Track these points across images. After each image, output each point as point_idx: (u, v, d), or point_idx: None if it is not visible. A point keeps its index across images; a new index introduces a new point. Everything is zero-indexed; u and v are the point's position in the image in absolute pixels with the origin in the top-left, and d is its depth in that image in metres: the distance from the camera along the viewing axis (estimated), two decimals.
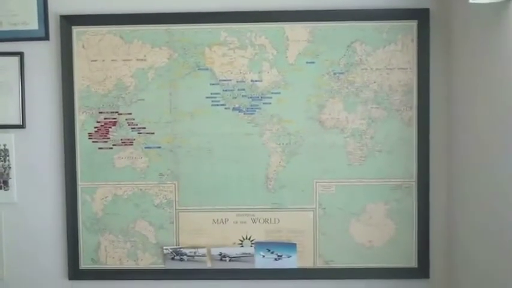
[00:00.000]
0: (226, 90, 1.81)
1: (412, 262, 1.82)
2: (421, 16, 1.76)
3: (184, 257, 1.84)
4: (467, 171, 1.65)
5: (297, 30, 1.79)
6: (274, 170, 1.81)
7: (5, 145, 1.85)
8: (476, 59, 1.57)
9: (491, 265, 1.49)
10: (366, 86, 1.79)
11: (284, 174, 1.81)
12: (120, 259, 1.86)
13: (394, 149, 1.80)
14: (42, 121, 1.85)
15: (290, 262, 1.83)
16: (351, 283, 1.83)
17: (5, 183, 1.86)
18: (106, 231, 1.85)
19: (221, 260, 1.83)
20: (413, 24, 1.77)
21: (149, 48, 1.81)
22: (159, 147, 1.83)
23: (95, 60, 1.82)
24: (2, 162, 1.85)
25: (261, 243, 1.83)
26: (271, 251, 1.83)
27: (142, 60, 1.82)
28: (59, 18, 1.81)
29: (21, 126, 1.84)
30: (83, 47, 1.82)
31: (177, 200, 1.84)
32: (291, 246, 1.83)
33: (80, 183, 1.84)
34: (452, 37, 1.76)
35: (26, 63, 1.84)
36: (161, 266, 1.86)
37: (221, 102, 1.81)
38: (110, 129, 1.83)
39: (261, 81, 1.80)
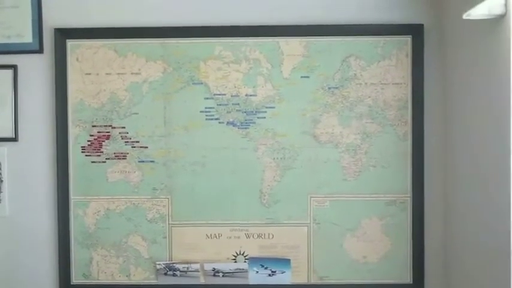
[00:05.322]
0: (220, 105, 1.80)
1: (407, 278, 1.81)
2: (416, 31, 1.77)
3: (177, 273, 1.81)
4: (462, 186, 1.65)
5: (292, 45, 1.79)
6: (269, 185, 1.80)
7: None
8: (470, 73, 1.57)
9: (487, 281, 1.48)
10: (360, 101, 1.79)
11: (278, 189, 1.80)
12: (112, 274, 1.84)
13: (388, 164, 1.79)
14: (35, 134, 1.84)
15: (284, 278, 1.81)
16: None
17: None
18: (98, 245, 1.83)
19: (214, 275, 1.81)
20: (407, 39, 1.78)
21: (144, 61, 1.81)
22: (153, 161, 1.81)
23: (89, 74, 1.82)
24: None
25: (255, 259, 1.82)
26: (265, 266, 1.81)
27: (136, 73, 1.81)
28: (53, 31, 1.81)
29: (14, 139, 1.83)
30: (77, 60, 1.82)
31: (170, 214, 1.82)
32: (285, 261, 1.81)
33: (73, 197, 1.83)
34: (446, 52, 1.76)
35: (19, 76, 1.83)
36: (154, 282, 1.83)
37: (215, 117, 1.80)
38: (103, 142, 1.82)
39: (255, 95, 1.80)
